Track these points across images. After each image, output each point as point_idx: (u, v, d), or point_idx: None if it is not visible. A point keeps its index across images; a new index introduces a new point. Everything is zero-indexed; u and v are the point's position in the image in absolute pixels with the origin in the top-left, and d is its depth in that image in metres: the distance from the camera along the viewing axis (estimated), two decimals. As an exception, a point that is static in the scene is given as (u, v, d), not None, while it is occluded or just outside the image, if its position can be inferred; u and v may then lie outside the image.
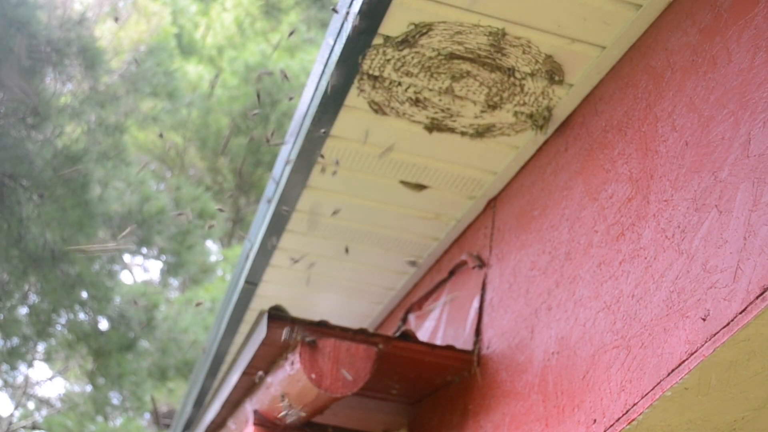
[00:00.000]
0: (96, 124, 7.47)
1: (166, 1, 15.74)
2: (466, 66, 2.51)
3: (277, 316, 2.62)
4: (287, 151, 3.11)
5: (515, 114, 2.64)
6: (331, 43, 2.61)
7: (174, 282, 11.40)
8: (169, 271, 9.16)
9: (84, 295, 8.40)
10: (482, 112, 2.65)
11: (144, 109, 8.81)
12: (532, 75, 2.50)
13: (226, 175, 14.79)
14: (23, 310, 9.63)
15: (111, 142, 7.49)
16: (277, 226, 3.37)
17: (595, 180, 2.29)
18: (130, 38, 15.58)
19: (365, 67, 2.56)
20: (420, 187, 3.03)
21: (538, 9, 2.29)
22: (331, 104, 2.71)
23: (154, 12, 15.57)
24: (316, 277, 3.67)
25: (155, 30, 15.41)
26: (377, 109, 2.70)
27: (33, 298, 9.12)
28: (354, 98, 2.67)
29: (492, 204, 2.97)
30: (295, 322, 2.63)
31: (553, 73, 2.48)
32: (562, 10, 2.28)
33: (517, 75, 2.51)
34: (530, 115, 2.63)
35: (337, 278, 3.68)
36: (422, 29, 2.40)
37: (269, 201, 3.31)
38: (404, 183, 3.02)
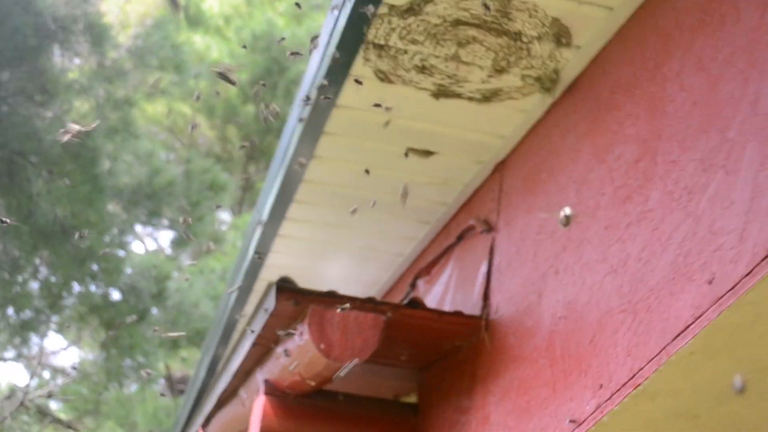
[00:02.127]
0: (104, 99, 7.46)
1: (172, -29, 15.66)
2: (472, 32, 2.48)
3: (285, 288, 2.63)
4: (294, 119, 3.10)
5: (522, 77, 2.61)
6: (336, 13, 2.59)
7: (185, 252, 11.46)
8: (179, 243, 9.21)
9: (95, 268, 8.44)
10: (489, 76, 2.63)
11: (152, 82, 8.79)
12: (539, 38, 2.47)
13: (236, 143, 14.80)
14: (35, 284, 9.70)
15: (119, 116, 7.48)
16: (286, 196, 3.37)
17: (603, 142, 2.27)
18: (136, 11, 15.54)
19: (370, 36, 2.53)
20: (427, 153, 3.02)
21: (544, -30, 2.26)
22: (337, 74, 2.70)
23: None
24: (323, 245, 3.68)
25: (161, 2, 15.36)
26: (383, 77, 2.68)
27: (44, 272, 9.18)
28: (360, 68, 2.65)
29: (500, 168, 2.96)
30: (303, 293, 2.63)
31: (560, 36, 2.45)
32: (568, -29, 2.25)
33: (524, 39, 2.48)
34: (538, 78, 2.61)
35: (345, 246, 3.68)
36: (427, -4, 2.38)
37: (278, 167, 3.31)
38: (412, 150, 3.01)
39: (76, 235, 7.71)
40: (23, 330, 9.97)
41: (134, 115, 7.97)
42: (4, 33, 7.33)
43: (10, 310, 10.22)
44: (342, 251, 3.72)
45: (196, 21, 15.70)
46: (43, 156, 8.28)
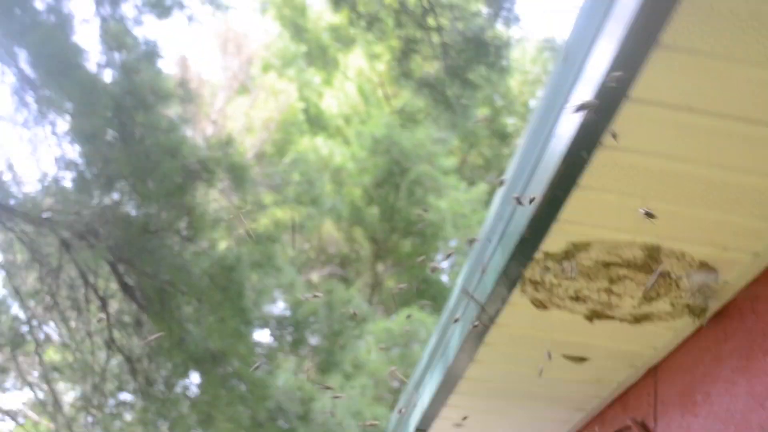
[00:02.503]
0: (247, 235, 7.94)
1: (292, 77, 16.40)
2: (622, 271, 2.68)
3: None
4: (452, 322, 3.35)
5: (672, 304, 2.78)
6: (494, 249, 2.84)
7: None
8: (323, 369, 9.59)
9: (243, 388, 8.89)
10: (640, 304, 2.81)
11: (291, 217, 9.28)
12: (687, 276, 2.65)
13: (362, 243, 15.23)
14: (186, 403, 10.21)
15: (262, 250, 7.94)
16: (447, 388, 3.60)
17: (760, 385, 2.41)
18: (260, 117, 16.33)
19: (527, 275, 2.76)
20: (581, 359, 3.20)
21: (691, 228, 2.44)
22: (495, 300, 2.93)
23: (280, 90, 16.27)
24: (481, 426, 3.88)
25: (284, 107, 16.09)
26: (539, 305, 2.90)
27: (194, 391, 9.68)
28: (517, 297, 2.88)
29: (652, 372, 3.11)
30: None
31: (708, 274, 2.62)
32: (714, 228, 2.43)
33: (673, 276, 2.66)
34: (687, 305, 2.77)
35: (500, 427, 3.87)
36: (581, 247, 2.60)
37: (436, 360, 3.56)
38: (566, 357, 3.20)
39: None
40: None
41: (275, 249, 8.45)
42: (156, 177, 7.92)
43: (164, 424, 10.77)
44: (498, 428, 3.92)
45: (316, 122, 16.35)
46: (191, 286, 8.81)
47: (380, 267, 15.48)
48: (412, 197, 13.66)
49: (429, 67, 8.07)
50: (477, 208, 13.75)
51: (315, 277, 14.10)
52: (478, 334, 3.15)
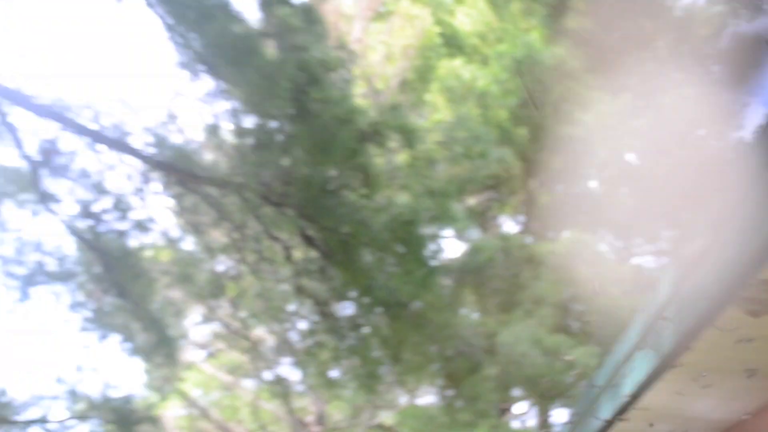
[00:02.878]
0: (422, 191, 8.50)
1: (425, 0, 16.59)
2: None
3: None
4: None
5: None
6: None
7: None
8: (505, 308, 10.19)
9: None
10: None
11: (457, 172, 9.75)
12: None
13: (513, 162, 15.55)
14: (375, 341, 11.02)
15: (437, 203, 8.49)
16: (660, 369, 4.13)
17: None
18: (398, 45, 16.71)
19: (743, 294, 3.23)
20: None
21: None
22: (712, 310, 3.42)
23: (415, 15, 16.57)
24: (693, 394, 4.42)
25: (420, 32, 16.41)
26: (753, 314, 3.37)
27: (383, 331, 10.47)
28: (733, 309, 3.35)
29: None
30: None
31: None
32: None
33: None
34: None
35: (710, 393, 4.39)
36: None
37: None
38: None
39: None
40: (370, 378, 11.37)
41: (449, 203, 8.96)
42: (335, 146, 8.52)
43: (356, 360, 11.68)
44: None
45: (452, 43, 16.55)
46: (372, 238, 9.50)
47: (533, 184, 15.82)
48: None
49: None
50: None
51: (472, 201, 14.63)
52: (693, 331, 3.65)
